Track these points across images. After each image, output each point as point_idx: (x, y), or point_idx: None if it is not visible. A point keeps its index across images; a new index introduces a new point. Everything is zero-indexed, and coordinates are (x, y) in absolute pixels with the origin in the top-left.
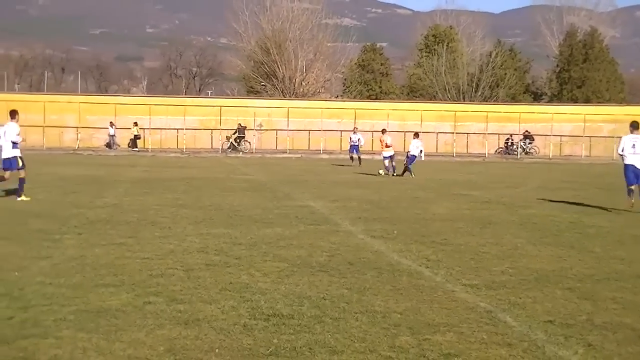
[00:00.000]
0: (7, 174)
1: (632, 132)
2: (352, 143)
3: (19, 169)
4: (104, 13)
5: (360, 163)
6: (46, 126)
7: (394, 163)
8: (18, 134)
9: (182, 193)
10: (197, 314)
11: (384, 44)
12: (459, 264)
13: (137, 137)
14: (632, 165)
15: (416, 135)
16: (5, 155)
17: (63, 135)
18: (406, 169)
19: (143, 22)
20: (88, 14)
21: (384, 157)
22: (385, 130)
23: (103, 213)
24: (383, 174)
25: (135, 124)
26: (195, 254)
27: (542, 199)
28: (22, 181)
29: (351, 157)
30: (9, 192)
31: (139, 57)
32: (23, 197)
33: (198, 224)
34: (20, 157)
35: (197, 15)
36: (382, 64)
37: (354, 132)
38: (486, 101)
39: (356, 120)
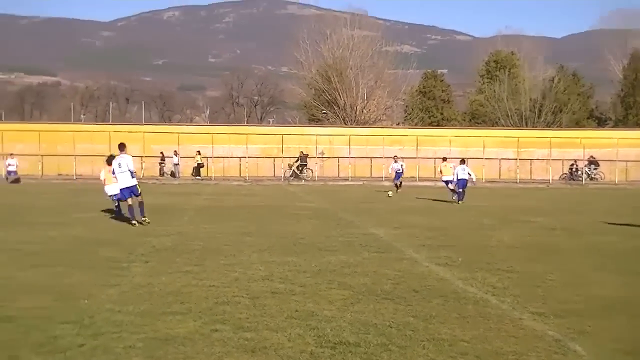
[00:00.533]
0: (129, 201)
1: None
2: (395, 171)
3: (137, 195)
4: (167, 44)
5: (399, 187)
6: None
7: (451, 187)
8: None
9: (246, 221)
10: (264, 342)
11: (444, 71)
12: (525, 292)
13: (200, 165)
14: None
15: (462, 161)
16: (125, 185)
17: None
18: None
19: (205, 52)
20: (151, 45)
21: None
22: (446, 159)
23: (168, 241)
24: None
25: (198, 152)
26: (260, 282)
27: (608, 225)
28: (142, 204)
29: (395, 185)
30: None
31: (201, 87)
32: (146, 219)
33: (262, 251)
34: (137, 185)
35: (259, 45)
36: (443, 91)
37: (395, 161)
38: (549, 127)
39: (418, 147)
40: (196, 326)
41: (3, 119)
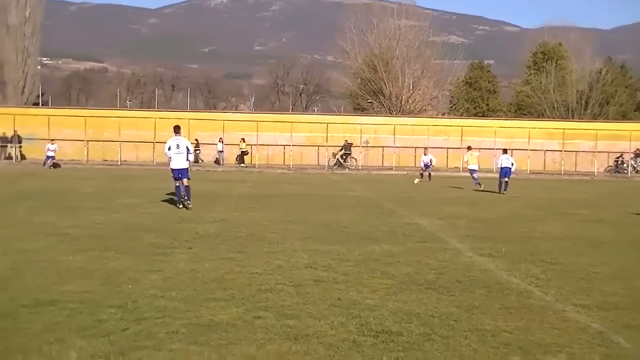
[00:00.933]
0: (185, 181)
1: None
2: (425, 163)
3: (188, 179)
4: (214, 32)
5: (430, 179)
6: (157, 142)
7: (475, 176)
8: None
9: (289, 209)
10: (307, 329)
11: (491, 62)
12: (569, 284)
13: (244, 152)
14: None
15: (505, 151)
16: (179, 166)
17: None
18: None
19: (251, 41)
20: (198, 33)
21: (470, 171)
22: (470, 147)
23: (212, 228)
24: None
25: (243, 140)
26: (303, 270)
27: None
28: (189, 189)
29: (421, 174)
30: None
31: (247, 75)
32: (190, 204)
33: (306, 240)
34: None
35: (304, 34)
36: (489, 82)
37: (425, 154)
38: (596, 119)
39: (463, 138)
40: (239, 313)
41: (50, 104)
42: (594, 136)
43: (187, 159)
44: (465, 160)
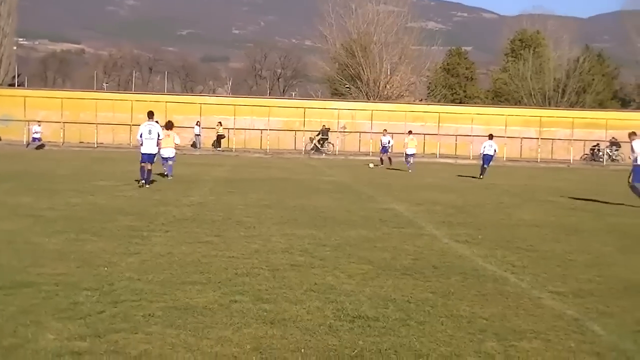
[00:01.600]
0: (149, 165)
1: None
2: (383, 145)
3: (152, 163)
4: (192, 14)
5: (390, 163)
6: (133, 124)
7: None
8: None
9: (266, 193)
10: (283, 313)
11: (468, 48)
12: (545, 271)
13: (221, 136)
14: None
15: (490, 136)
16: (148, 152)
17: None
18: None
19: (229, 24)
20: (176, 15)
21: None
22: (411, 132)
23: (189, 211)
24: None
25: (220, 123)
26: (280, 254)
27: (630, 207)
28: (150, 173)
29: (381, 159)
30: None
31: (224, 58)
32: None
33: (282, 224)
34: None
35: (283, 18)
36: (467, 68)
37: (384, 135)
38: (572, 107)
39: (440, 124)
40: (215, 296)
41: (26, 85)
42: (570, 124)
43: (157, 145)
44: (405, 142)
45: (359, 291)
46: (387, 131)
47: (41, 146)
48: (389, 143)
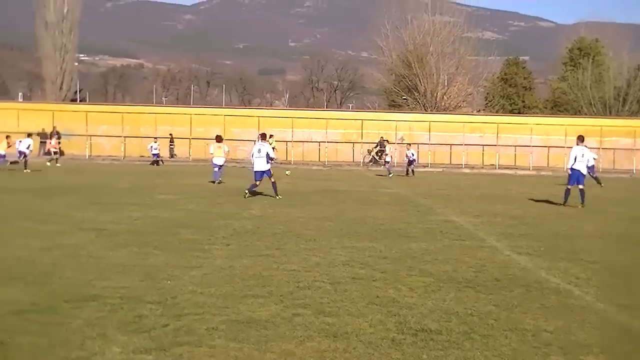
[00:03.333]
0: (257, 183)
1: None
2: (409, 158)
3: (270, 176)
4: (248, 28)
5: (413, 174)
6: (192, 138)
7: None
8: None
9: (325, 206)
10: (345, 327)
11: (526, 58)
12: (609, 283)
13: (272, 149)
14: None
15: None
16: (259, 169)
17: (208, 147)
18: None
19: (286, 37)
20: (233, 29)
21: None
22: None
23: (249, 224)
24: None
25: (272, 136)
26: (341, 267)
27: None
28: (275, 184)
29: (407, 171)
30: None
31: (281, 71)
32: (279, 196)
33: (342, 237)
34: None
35: (339, 30)
36: (524, 78)
37: (408, 148)
38: (634, 116)
39: (498, 135)
40: (278, 310)
41: (87, 100)
42: (632, 133)
43: (268, 162)
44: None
45: (421, 304)
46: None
47: (158, 162)
48: (413, 155)
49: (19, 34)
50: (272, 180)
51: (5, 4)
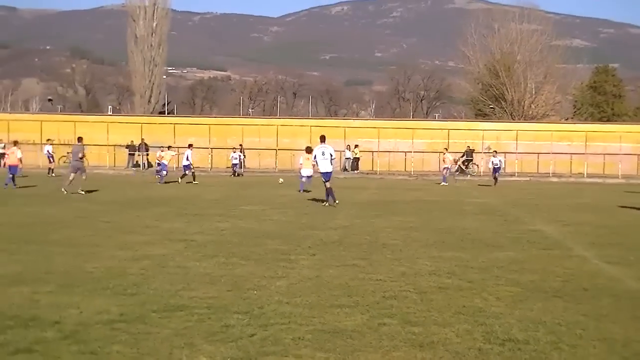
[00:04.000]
0: (327, 184)
1: None
2: (494, 165)
3: (327, 181)
4: (335, 39)
5: (495, 183)
6: (279, 149)
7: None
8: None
9: (412, 216)
10: (432, 336)
11: (616, 65)
12: None
13: (357, 159)
14: None
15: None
16: (325, 170)
17: (294, 157)
18: None
19: (372, 47)
20: (318, 40)
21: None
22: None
23: (335, 235)
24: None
25: (357, 146)
26: (427, 277)
27: None
28: (332, 190)
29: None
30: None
31: (367, 81)
32: (337, 202)
33: (429, 246)
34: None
35: (425, 39)
36: (614, 86)
37: (494, 156)
38: None
39: (587, 143)
40: (364, 319)
41: (175, 112)
42: None
43: (331, 164)
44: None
45: (508, 314)
46: (497, 152)
47: (236, 173)
48: (500, 163)
49: (109, 49)
50: (329, 185)
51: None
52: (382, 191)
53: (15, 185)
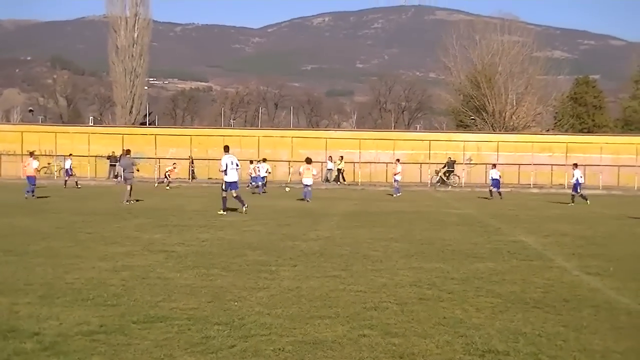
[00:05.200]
0: (233, 192)
1: None
2: (493, 178)
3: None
4: (316, 50)
5: (500, 196)
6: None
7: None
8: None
9: (392, 227)
10: (412, 348)
11: (596, 76)
12: None
13: (340, 170)
14: None
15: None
16: (232, 179)
17: (276, 168)
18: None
19: (353, 58)
20: (300, 51)
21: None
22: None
23: (316, 245)
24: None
25: (341, 157)
26: (407, 288)
27: None
28: (239, 198)
29: (490, 192)
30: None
31: (349, 92)
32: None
33: (409, 257)
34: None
35: (406, 50)
36: (595, 97)
37: (492, 167)
38: None
39: (568, 154)
40: (344, 331)
41: (157, 123)
42: None
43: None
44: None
45: (488, 325)
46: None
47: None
48: (500, 177)
49: (90, 60)
50: (235, 194)
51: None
52: (363, 202)
53: (33, 195)
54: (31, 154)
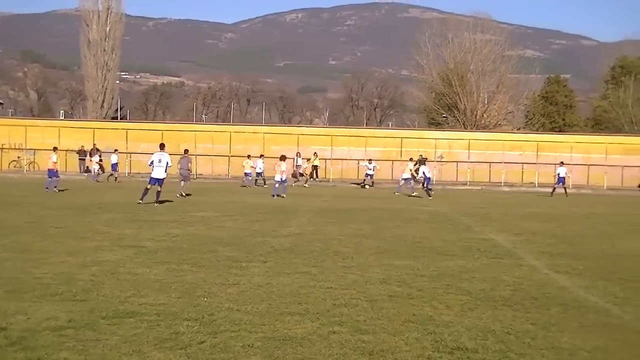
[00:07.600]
0: (158, 187)
1: None
2: (425, 175)
3: (160, 185)
4: (289, 46)
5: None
6: (232, 156)
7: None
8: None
9: (364, 224)
10: (382, 344)
11: (567, 76)
12: None
13: (315, 167)
14: None
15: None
16: (158, 176)
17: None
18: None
19: (326, 55)
20: (273, 47)
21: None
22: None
23: (287, 242)
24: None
25: (315, 154)
26: (378, 285)
27: None
28: (159, 193)
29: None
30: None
31: (321, 89)
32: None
33: (380, 254)
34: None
35: (379, 48)
36: (566, 96)
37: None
38: None
39: (538, 153)
40: (314, 327)
41: (128, 118)
42: None
43: (165, 171)
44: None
45: (457, 322)
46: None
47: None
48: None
49: (62, 53)
50: (160, 189)
51: (49, 25)
52: (335, 199)
53: (55, 189)
54: (54, 149)
